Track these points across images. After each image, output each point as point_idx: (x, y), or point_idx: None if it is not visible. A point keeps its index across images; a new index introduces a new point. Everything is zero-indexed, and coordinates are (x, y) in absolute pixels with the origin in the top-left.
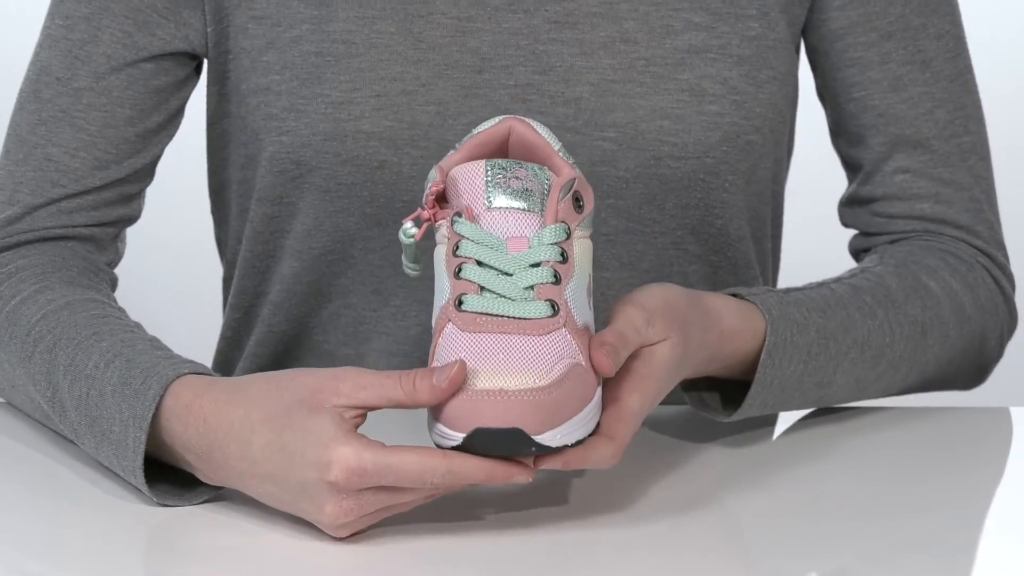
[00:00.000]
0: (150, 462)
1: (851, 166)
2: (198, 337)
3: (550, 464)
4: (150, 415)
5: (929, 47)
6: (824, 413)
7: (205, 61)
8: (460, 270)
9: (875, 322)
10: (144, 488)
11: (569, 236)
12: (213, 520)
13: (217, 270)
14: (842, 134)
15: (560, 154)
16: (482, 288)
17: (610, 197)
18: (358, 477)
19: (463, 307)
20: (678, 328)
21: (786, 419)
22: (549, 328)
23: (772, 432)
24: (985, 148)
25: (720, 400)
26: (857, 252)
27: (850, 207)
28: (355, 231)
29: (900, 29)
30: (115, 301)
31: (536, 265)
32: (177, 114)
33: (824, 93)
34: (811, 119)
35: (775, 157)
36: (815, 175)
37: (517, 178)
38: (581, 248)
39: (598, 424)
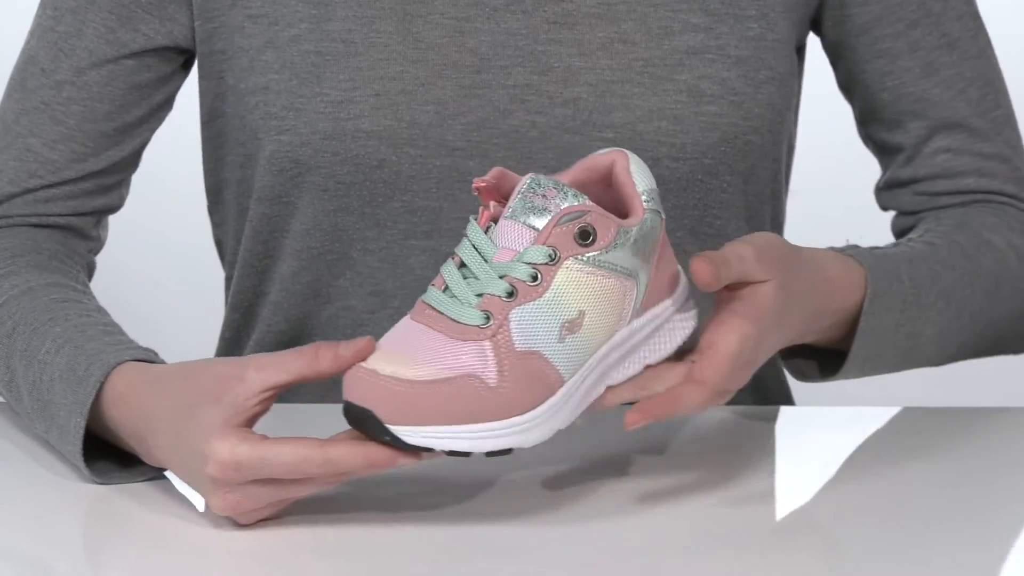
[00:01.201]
0: (102, 444)
1: (886, 151)
2: (198, 338)
3: (640, 418)
4: (90, 402)
5: (953, 29)
6: (857, 411)
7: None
8: (445, 265)
9: (956, 273)
10: (85, 472)
11: (554, 262)
12: (157, 496)
13: (217, 269)
14: (876, 121)
15: (642, 196)
16: (446, 286)
17: None
18: (234, 471)
19: (423, 296)
20: (783, 271)
21: (808, 422)
22: (469, 336)
23: (812, 436)
24: (1014, 117)
25: (817, 369)
26: (902, 232)
27: (890, 190)
28: (354, 231)
29: (923, 16)
30: (83, 285)
31: (503, 277)
32: (161, 107)
33: (852, 86)
34: (814, 118)
35: (774, 157)
36: (817, 174)
37: (544, 196)
38: (573, 280)
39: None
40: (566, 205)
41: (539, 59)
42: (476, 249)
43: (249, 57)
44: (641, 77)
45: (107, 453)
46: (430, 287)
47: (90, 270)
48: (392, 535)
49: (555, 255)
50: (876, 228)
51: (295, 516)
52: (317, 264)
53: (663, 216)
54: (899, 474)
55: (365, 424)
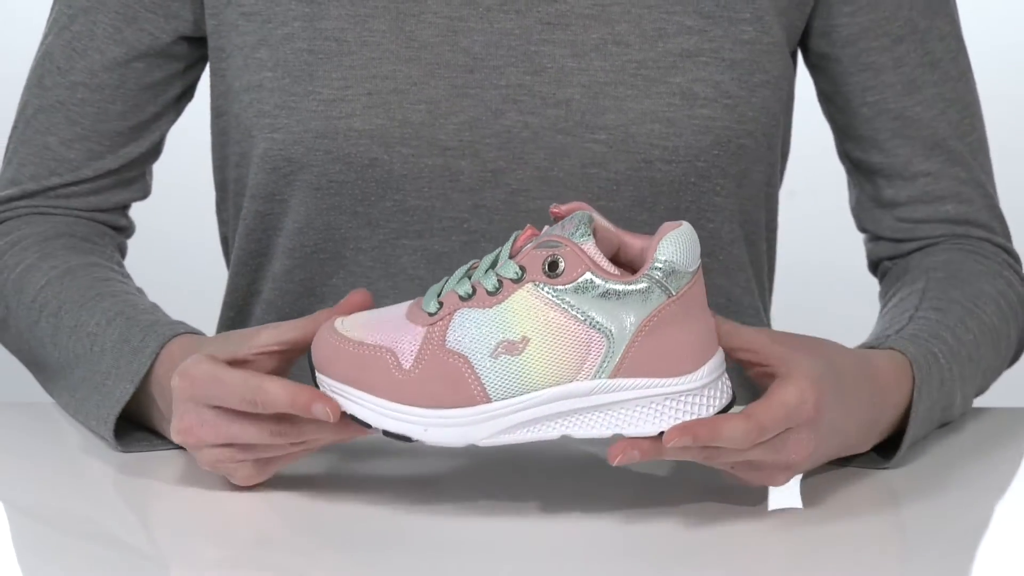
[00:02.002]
0: (134, 427)
1: (861, 170)
2: None
3: (678, 435)
4: (144, 371)
5: (936, 48)
6: None
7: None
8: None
9: (971, 336)
10: (111, 439)
11: (518, 281)
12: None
13: (216, 268)
14: (853, 138)
15: (653, 264)
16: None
17: (600, 199)
18: (189, 384)
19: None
20: (813, 350)
21: None
22: (415, 318)
23: None
24: (987, 143)
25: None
26: (880, 260)
27: (869, 211)
28: (346, 230)
29: (909, 32)
30: (119, 265)
31: (474, 281)
32: (179, 99)
33: (834, 98)
34: (810, 120)
35: (768, 161)
36: (813, 175)
37: (562, 227)
38: (528, 304)
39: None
40: (555, 232)
41: (532, 59)
42: (495, 256)
43: (243, 55)
44: (634, 79)
45: (135, 429)
46: (444, 279)
47: (122, 252)
48: (383, 531)
49: (521, 274)
50: None
51: (298, 504)
52: (310, 263)
53: (672, 294)
54: (898, 474)
55: (310, 366)
